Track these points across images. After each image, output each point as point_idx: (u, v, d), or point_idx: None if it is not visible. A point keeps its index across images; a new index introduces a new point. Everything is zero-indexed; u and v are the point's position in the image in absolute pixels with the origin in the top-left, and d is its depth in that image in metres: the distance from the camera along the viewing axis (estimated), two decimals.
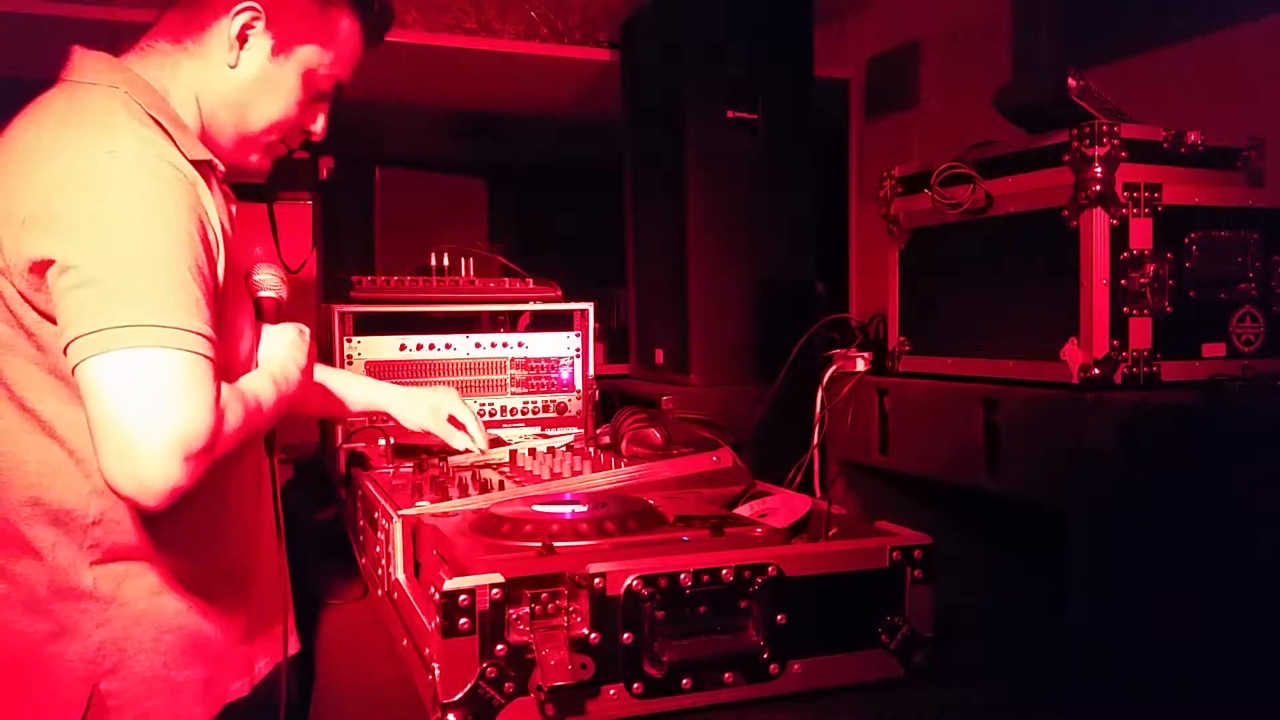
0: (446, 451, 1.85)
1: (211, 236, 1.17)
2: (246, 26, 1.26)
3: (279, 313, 1.40)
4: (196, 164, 1.22)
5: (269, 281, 1.39)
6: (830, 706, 1.23)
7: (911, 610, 1.28)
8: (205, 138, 1.30)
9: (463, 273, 2.58)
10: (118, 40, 2.76)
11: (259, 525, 1.37)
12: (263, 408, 1.22)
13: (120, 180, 1.08)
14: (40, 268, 1.08)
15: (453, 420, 1.75)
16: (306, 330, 1.41)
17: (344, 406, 1.80)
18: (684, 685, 1.19)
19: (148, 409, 1.03)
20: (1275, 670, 1.24)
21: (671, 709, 1.18)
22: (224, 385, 1.13)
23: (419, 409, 1.76)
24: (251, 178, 1.39)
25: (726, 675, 1.20)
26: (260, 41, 1.27)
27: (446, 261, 2.58)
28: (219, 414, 1.08)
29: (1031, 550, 1.67)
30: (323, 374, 1.79)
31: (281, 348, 1.35)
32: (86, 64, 1.23)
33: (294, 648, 1.38)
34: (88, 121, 1.15)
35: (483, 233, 3.66)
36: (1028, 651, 1.43)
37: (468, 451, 1.76)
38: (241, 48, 1.27)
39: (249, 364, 1.32)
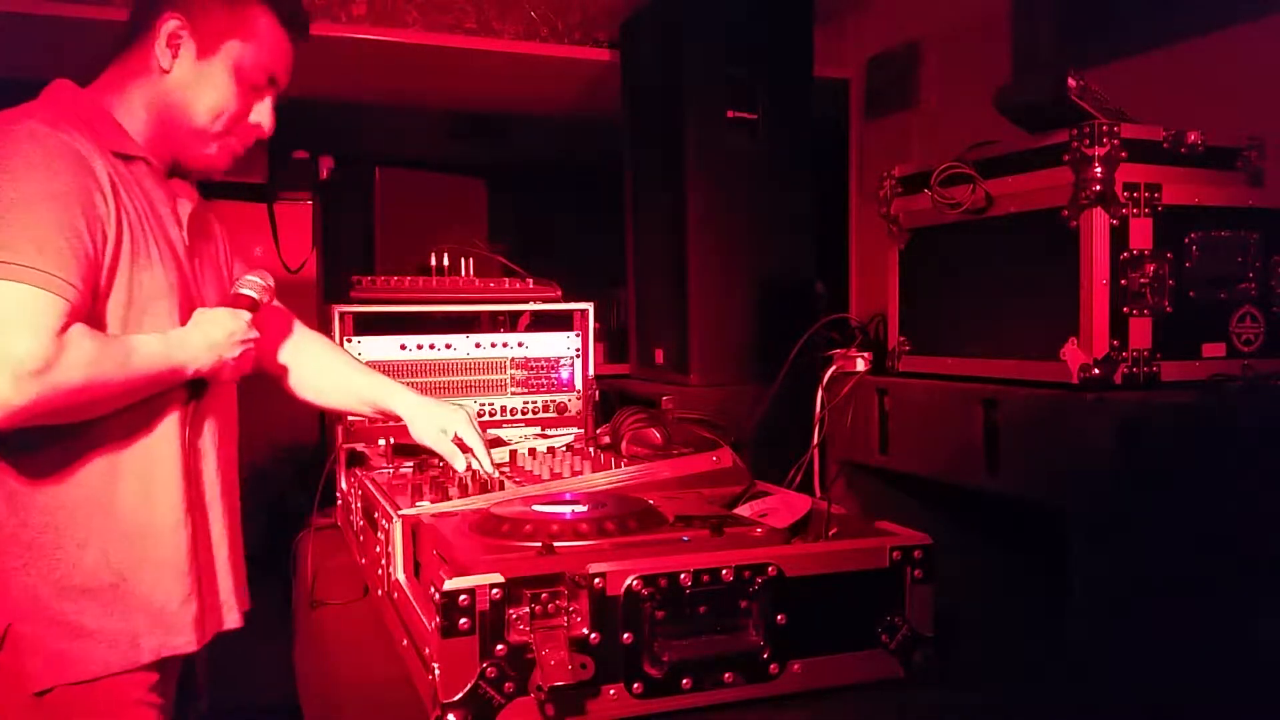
0: None
1: (103, 209, 1.32)
2: (173, 36, 1.44)
3: (253, 310, 1.53)
4: (125, 158, 1.40)
5: (249, 283, 1.55)
6: (830, 706, 1.23)
7: (911, 610, 1.28)
8: (159, 141, 1.47)
9: (463, 273, 2.58)
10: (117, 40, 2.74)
11: (200, 497, 1.49)
12: (131, 357, 1.32)
13: (9, 148, 1.27)
14: None
15: (458, 442, 1.75)
16: (244, 316, 1.51)
17: (352, 398, 1.81)
18: (684, 685, 1.18)
19: None
20: (1275, 670, 1.24)
21: (671, 709, 1.18)
22: (83, 327, 1.26)
23: (428, 426, 1.75)
24: (212, 174, 1.54)
25: (726, 675, 1.20)
26: (188, 46, 1.45)
27: (446, 261, 2.57)
28: (57, 345, 1.21)
29: (1031, 550, 1.67)
30: (347, 366, 1.83)
31: (198, 320, 1.45)
32: (46, 88, 1.42)
33: (234, 623, 1.54)
34: (10, 114, 1.32)
35: (483, 233, 3.65)
36: (1028, 651, 1.43)
37: (469, 470, 1.74)
38: (174, 56, 1.44)
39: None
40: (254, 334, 1.51)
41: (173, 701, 1.49)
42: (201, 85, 1.46)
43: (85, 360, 1.25)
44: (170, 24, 1.43)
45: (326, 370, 1.79)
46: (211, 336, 1.44)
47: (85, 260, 1.28)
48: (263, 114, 1.53)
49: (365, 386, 1.80)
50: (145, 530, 1.39)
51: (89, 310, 1.30)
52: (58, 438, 1.32)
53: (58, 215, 1.26)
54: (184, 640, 1.42)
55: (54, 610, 1.33)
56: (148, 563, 1.39)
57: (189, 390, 1.45)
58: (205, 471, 1.50)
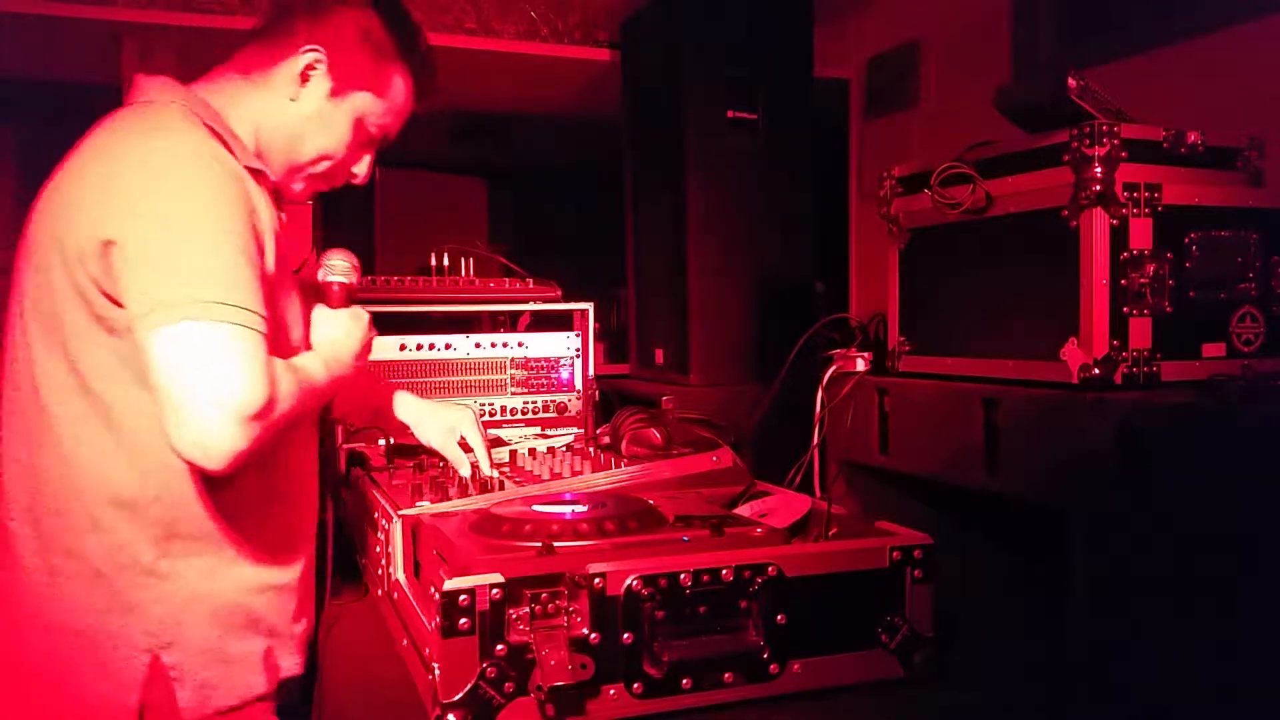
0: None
1: (260, 229, 1.28)
2: (309, 66, 1.38)
3: (347, 299, 1.51)
4: (248, 170, 1.33)
5: (338, 267, 1.51)
6: (830, 706, 1.23)
7: (911, 610, 1.28)
8: (258, 159, 1.40)
9: (463, 273, 2.58)
10: (117, 40, 2.76)
11: (311, 511, 1.46)
12: (314, 384, 1.31)
13: (174, 170, 1.20)
14: (105, 249, 1.18)
15: (462, 443, 1.74)
16: (365, 316, 1.50)
17: (352, 404, 1.78)
18: (684, 685, 1.18)
19: (205, 377, 1.12)
20: (1275, 670, 1.24)
21: (671, 709, 1.18)
22: (278, 360, 1.23)
23: (435, 427, 1.74)
24: (291, 202, 1.49)
25: (726, 675, 1.20)
26: (320, 81, 1.39)
27: (446, 261, 2.57)
28: (271, 383, 1.17)
29: (1031, 550, 1.67)
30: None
31: (337, 332, 1.46)
32: (149, 87, 1.34)
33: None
34: (147, 127, 1.25)
35: (483, 233, 3.65)
36: (1028, 651, 1.43)
37: (475, 468, 1.74)
38: (303, 85, 1.39)
39: (299, 350, 1.40)
40: (374, 332, 1.51)
41: None
42: (320, 125, 1.40)
43: (290, 393, 1.22)
44: (310, 54, 1.37)
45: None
46: (352, 346, 1.44)
47: (259, 285, 1.22)
48: (363, 167, 1.49)
49: (367, 392, 1.79)
50: (280, 552, 1.36)
51: (273, 340, 1.25)
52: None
53: (237, 243, 1.20)
54: (294, 662, 1.38)
55: (200, 637, 1.27)
56: (275, 585, 1.36)
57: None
58: (315, 488, 1.48)
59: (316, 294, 1.51)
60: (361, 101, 1.42)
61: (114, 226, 1.17)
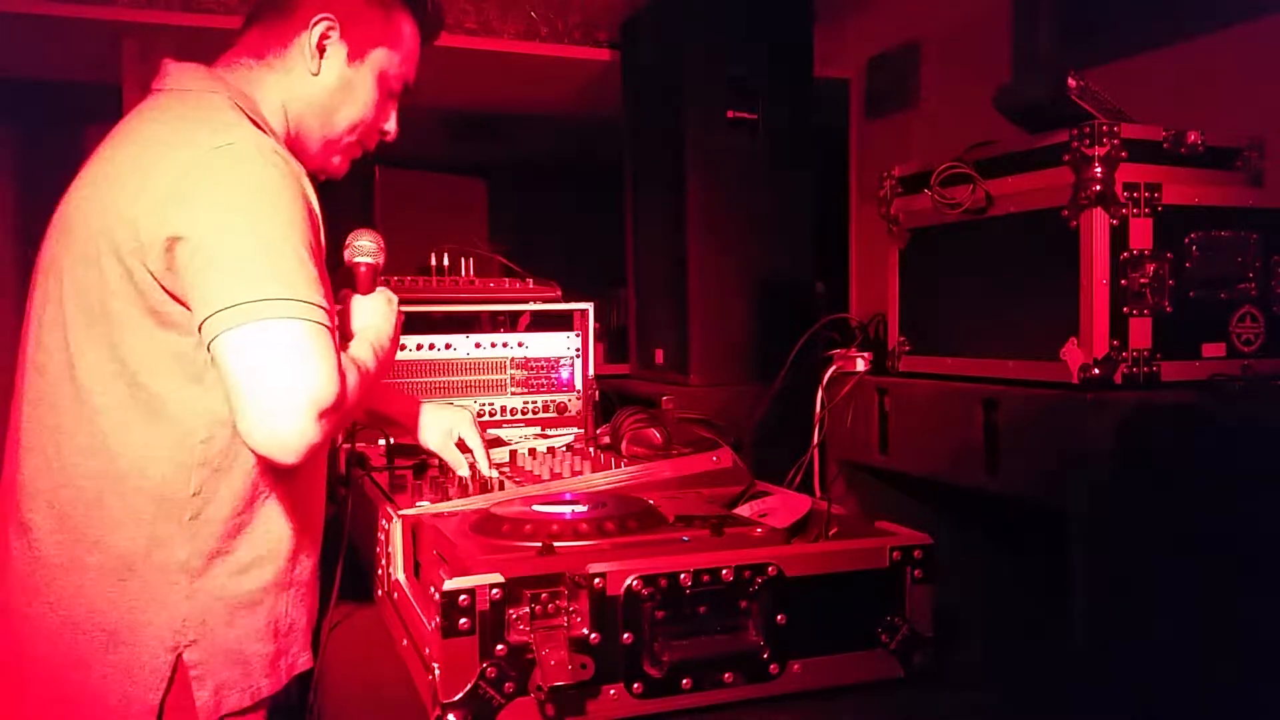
0: None
1: (316, 221, 1.28)
2: (323, 36, 1.38)
3: (374, 280, 1.52)
4: None
5: (367, 248, 1.51)
6: (830, 706, 1.23)
7: (911, 610, 1.28)
8: (291, 144, 1.39)
9: (463, 273, 2.58)
10: (117, 40, 2.76)
11: (321, 509, 1.45)
12: (369, 372, 1.33)
13: (241, 168, 1.19)
14: (171, 245, 1.17)
15: (460, 444, 1.74)
16: (395, 298, 1.51)
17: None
18: (684, 685, 1.18)
19: (285, 374, 1.13)
20: (1275, 670, 1.24)
21: (671, 709, 1.18)
22: (342, 354, 1.24)
23: (434, 430, 1.74)
24: (331, 177, 1.49)
25: (726, 675, 1.20)
26: (337, 50, 1.39)
27: (446, 261, 2.58)
28: (343, 377, 1.19)
29: (1031, 550, 1.67)
30: None
31: (376, 317, 1.47)
32: (185, 74, 1.33)
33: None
34: (204, 119, 1.25)
35: (483, 233, 3.66)
36: (1028, 651, 1.43)
37: (474, 469, 1.74)
38: (321, 57, 1.38)
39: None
40: (401, 314, 1.52)
41: None
42: (347, 92, 1.41)
43: (355, 384, 1.24)
44: (323, 23, 1.36)
45: None
46: (389, 329, 1.45)
47: (322, 279, 1.23)
48: (392, 122, 1.49)
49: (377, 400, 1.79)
50: (298, 550, 1.35)
51: None
52: (247, 460, 1.26)
53: (304, 239, 1.21)
54: (306, 657, 1.37)
55: (221, 636, 1.26)
56: (292, 583, 1.35)
57: None
58: (325, 486, 1.47)
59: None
60: (379, 58, 1.42)
61: (182, 223, 1.16)
